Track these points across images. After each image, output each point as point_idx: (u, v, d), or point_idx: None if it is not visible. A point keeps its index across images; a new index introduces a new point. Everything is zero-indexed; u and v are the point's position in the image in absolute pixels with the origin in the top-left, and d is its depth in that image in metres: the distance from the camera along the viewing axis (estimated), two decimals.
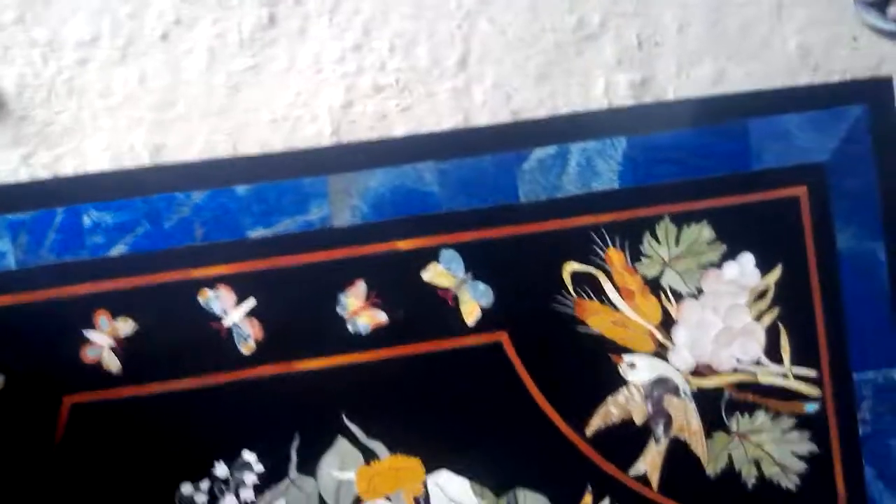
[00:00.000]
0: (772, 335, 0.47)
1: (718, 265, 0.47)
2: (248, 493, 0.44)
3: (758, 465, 0.47)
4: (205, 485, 0.44)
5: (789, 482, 0.47)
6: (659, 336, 0.47)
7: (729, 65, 0.49)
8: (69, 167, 0.43)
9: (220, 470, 0.44)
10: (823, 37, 0.49)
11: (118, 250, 0.43)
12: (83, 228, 0.43)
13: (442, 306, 0.46)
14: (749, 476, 0.47)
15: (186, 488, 0.44)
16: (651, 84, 0.48)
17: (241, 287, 0.44)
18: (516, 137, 0.46)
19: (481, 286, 0.46)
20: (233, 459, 0.44)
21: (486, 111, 0.47)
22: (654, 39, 0.48)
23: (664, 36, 0.47)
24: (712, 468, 0.47)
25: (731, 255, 0.47)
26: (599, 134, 0.46)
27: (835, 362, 0.47)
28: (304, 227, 0.44)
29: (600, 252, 0.46)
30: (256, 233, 0.44)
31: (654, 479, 0.47)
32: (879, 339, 0.47)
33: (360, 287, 0.45)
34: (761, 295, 0.47)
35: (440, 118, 0.46)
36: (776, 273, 0.47)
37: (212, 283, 0.44)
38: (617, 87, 0.48)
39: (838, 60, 0.49)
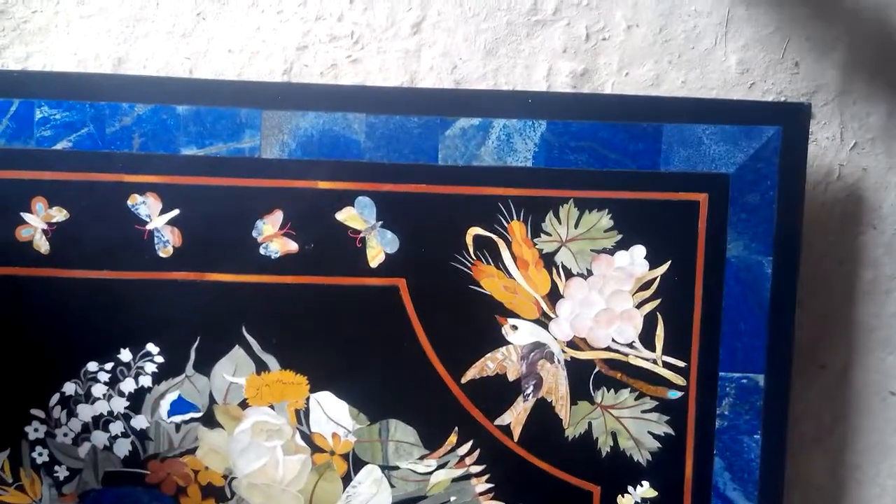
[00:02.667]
0: (649, 323, 0.66)
1: (611, 252, 0.65)
2: (146, 380, 0.64)
3: (614, 436, 0.67)
4: (109, 366, 0.64)
5: (641, 457, 0.67)
6: (544, 306, 0.65)
7: (669, 69, 0.66)
8: (38, 65, 0.61)
9: (125, 356, 0.64)
10: (765, 58, 0.66)
11: (62, 145, 0.62)
12: (34, 120, 0.61)
13: (349, 246, 0.64)
14: (605, 445, 0.67)
15: (92, 366, 0.64)
16: (591, 76, 0.66)
17: (168, 197, 0.63)
18: (445, 104, 0.63)
19: (389, 234, 0.64)
20: (137, 349, 0.64)
21: (431, 76, 0.65)
22: (602, 34, 0.65)
23: (612, 32, 0.64)
24: (571, 431, 0.66)
25: (624, 244, 0.65)
26: (523, 113, 0.63)
27: (704, 358, 0.66)
28: (233, 153, 0.63)
29: (504, 222, 0.65)
30: (189, 151, 0.62)
31: (516, 432, 0.66)
32: (750, 346, 0.66)
33: (277, 216, 0.63)
34: (646, 285, 0.66)
35: (387, 76, 0.64)
36: (664, 268, 0.65)
37: (142, 189, 0.63)
38: (558, 75, 0.66)
39: (776, 83, 0.66)
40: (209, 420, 0.65)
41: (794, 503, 0.76)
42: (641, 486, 0.67)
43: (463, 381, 0.66)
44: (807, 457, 0.76)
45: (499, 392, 0.66)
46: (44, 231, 0.62)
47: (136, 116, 0.62)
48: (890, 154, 0.72)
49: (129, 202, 0.63)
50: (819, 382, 0.75)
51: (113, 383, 0.64)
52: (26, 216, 0.62)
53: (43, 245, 0.63)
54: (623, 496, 0.67)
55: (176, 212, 0.63)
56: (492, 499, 0.67)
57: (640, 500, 0.67)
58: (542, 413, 0.66)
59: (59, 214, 0.62)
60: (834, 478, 0.77)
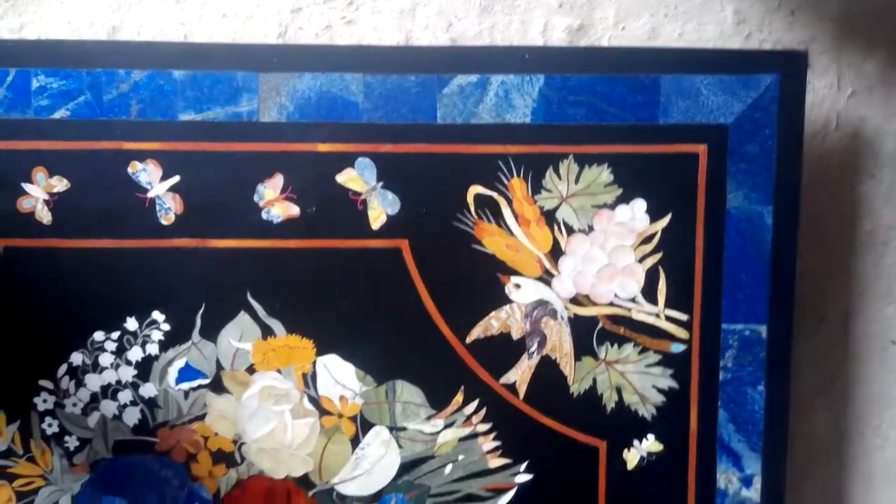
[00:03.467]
0: (651, 277, 0.66)
1: (612, 207, 0.65)
2: (153, 348, 0.64)
3: (619, 391, 0.67)
4: (115, 335, 0.64)
5: (646, 411, 0.67)
6: (546, 264, 0.66)
7: (665, 22, 0.66)
8: (33, 34, 0.61)
9: (131, 324, 0.64)
10: (761, 7, 0.66)
11: (60, 114, 0.62)
12: (31, 90, 0.61)
13: (351, 208, 0.64)
14: (609, 400, 0.67)
15: (99, 335, 0.64)
16: (588, 31, 0.66)
17: (168, 164, 0.63)
18: (441, 62, 0.63)
19: (390, 195, 0.64)
20: (143, 317, 0.64)
21: (427, 35, 0.65)
22: None
23: None
24: (576, 387, 0.67)
25: (625, 198, 0.65)
26: (520, 69, 0.63)
27: (706, 311, 0.67)
28: (232, 117, 0.62)
29: (504, 180, 0.65)
30: (187, 116, 0.62)
31: (522, 390, 0.67)
32: (752, 297, 0.67)
33: (277, 180, 0.64)
34: (647, 239, 0.66)
35: (382, 35, 0.64)
36: (665, 221, 0.66)
37: (141, 156, 0.63)
38: (554, 30, 0.66)
39: (772, 32, 0.66)
40: (217, 386, 0.66)
41: (797, 456, 0.77)
42: (647, 439, 0.68)
43: (467, 340, 0.66)
44: (809, 409, 0.77)
45: (503, 350, 0.67)
46: (45, 201, 0.63)
47: (133, 83, 0.62)
48: (888, 102, 0.73)
49: (130, 170, 0.63)
50: (819, 334, 0.76)
51: (120, 352, 0.64)
52: (27, 187, 0.62)
53: (45, 216, 0.63)
54: (629, 450, 0.68)
55: (176, 178, 0.63)
56: (499, 456, 0.67)
57: (645, 454, 0.67)
58: (547, 370, 0.67)
59: (60, 184, 0.62)
60: (836, 429, 0.78)
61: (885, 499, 0.78)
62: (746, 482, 0.68)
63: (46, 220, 0.63)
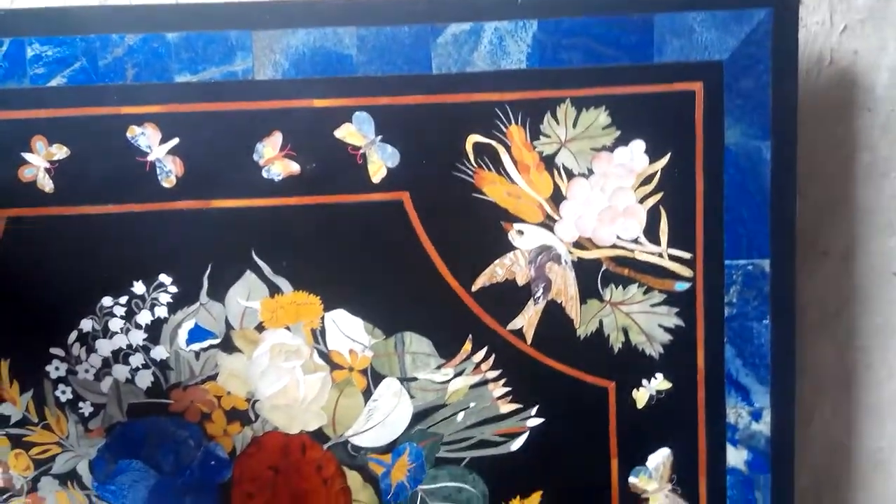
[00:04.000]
0: (652, 217, 0.67)
1: (611, 149, 0.66)
2: (162, 311, 0.65)
3: (626, 332, 0.68)
4: (124, 300, 0.64)
5: (653, 350, 0.68)
6: (548, 209, 0.66)
7: None
8: (26, 3, 0.61)
9: (139, 288, 0.65)
10: None
11: (56, 82, 0.62)
12: (26, 59, 0.61)
13: (351, 163, 0.65)
14: (616, 341, 0.68)
15: (107, 301, 0.64)
16: None
17: (167, 127, 0.63)
18: (434, 11, 0.63)
19: (389, 149, 0.65)
20: (150, 281, 0.65)
21: None
22: None
23: None
24: (583, 330, 0.67)
25: (623, 140, 0.66)
26: (513, 15, 0.63)
27: (709, 248, 0.67)
28: (227, 76, 0.63)
29: (503, 127, 0.65)
30: (183, 78, 0.62)
31: (529, 335, 0.67)
32: (754, 232, 0.67)
33: (276, 138, 0.64)
34: (647, 180, 0.66)
35: None
36: (664, 160, 0.66)
37: (140, 120, 0.63)
38: None
39: None
40: (227, 345, 0.66)
41: (805, 391, 0.78)
42: (655, 378, 0.68)
43: (473, 289, 0.67)
44: (814, 344, 0.77)
45: (509, 297, 0.67)
46: (46, 170, 0.63)
47: (128, 47, 0.62)
48: (880, 35, 0.73)
49: (129, 134, 0.63)
50: (822, 269, 0.76)
51: (129, 316, 0.65)
52: (28, 156, 0.62)
53: (47, 184, 0.63)
54: (638, 390, 0.68)
55: (175, 141, 0.63)
56: (510, 402, 0.68)
57: (654, 393, 0.68)
58: (553, 315, 0.68)
59: (60, 152, 0.63)
60: (843, 363, 0.78)
61: (894, 429, 0.79)
62: (756, 416, 0.68)
63: (49, 189, 0.63)
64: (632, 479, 0.70)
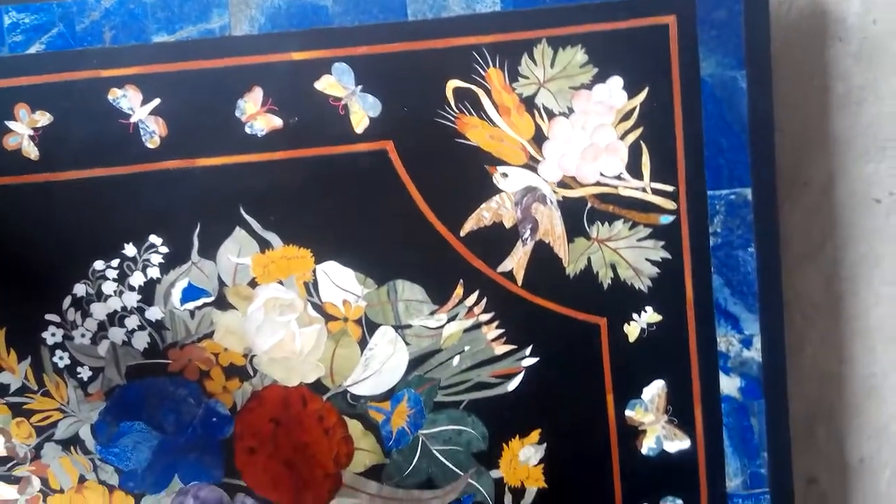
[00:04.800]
0: (634, 153, 0.68)
1: (589, 87, 0.67)
2: (154, 272, 0.66)
3: (614, 268, 0.69)
4: (115, 262, 0.65)
5: (642, 284, 0.69)
6: (531, 150, 0.67)
7: None
8: None
9: (130, 250, 0.65)
10: None
11: (35, 49, 0.63)
12: (4, 27, 0.62)
13: (333, 114, 0.66)
14: (605, 277, 0.69)
15: (99, 264, 0.65)
16: None
17: (147, 87, 0.64)
18: None
19: (370, 98, 0.66)
20: (141, 242, 0.66)
21: None
22: None
23: None
24: (572, 269, 0.69)
25: (601, 77, 0.67)
26: None
27: (691, 180, 0.68)
28: (205, 34, 0.64)
29: (481, 71, 0.66)
30: (160, 38, 0.63)
31: (519, 276, 0.68)
32: (734, 161, 0.68)
33: (257, 93, 0.65)
34: (627, 115, 0.67)
35: None
36: (642, 95, 0.67)
37: (120, 82, 0.64)
38: None
39: None
40: (221, 303, 0.67)
41: (795, 322, 0.79)
42: (645, 311, 0.70)
43: (461, 233, 0.68)
44: (800, 275, 0.79)
45: (497, 240, 0.68)
46: (31, 137, 0.64)
47: (104, 10, 0.63)
48: None
49: (110, 97, 0.64)
50: (804, 200, 0.78)
51: (122, 279, 0.66)
52: (11, 124, 0.63)
53: (32, 151, 0.64)
54: (629, 324, 0.70)
55: (157, 101, 0.64)
56: (504, 343, 0.69)
57: (645, 326, 0.70)
58: (542, 255, 0.69)
59: (43, 118, 0.63)
60: (829, 293, 0.80)
61: (885, 355, 0.80)
62: (746, 343, 0.70)
63: (34, 156, 0.64)
64: (628, 413, 0.71)
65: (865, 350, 0.81)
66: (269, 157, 0.66)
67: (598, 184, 0.69)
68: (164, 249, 0.66)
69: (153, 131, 0.64)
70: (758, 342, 0.70)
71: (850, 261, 0.80)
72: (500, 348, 0.70)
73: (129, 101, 0.64)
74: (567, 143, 0.68)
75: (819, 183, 0.78)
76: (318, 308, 0.68)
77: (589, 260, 0.69)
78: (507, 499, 0.72)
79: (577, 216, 0.69)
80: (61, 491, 0.70)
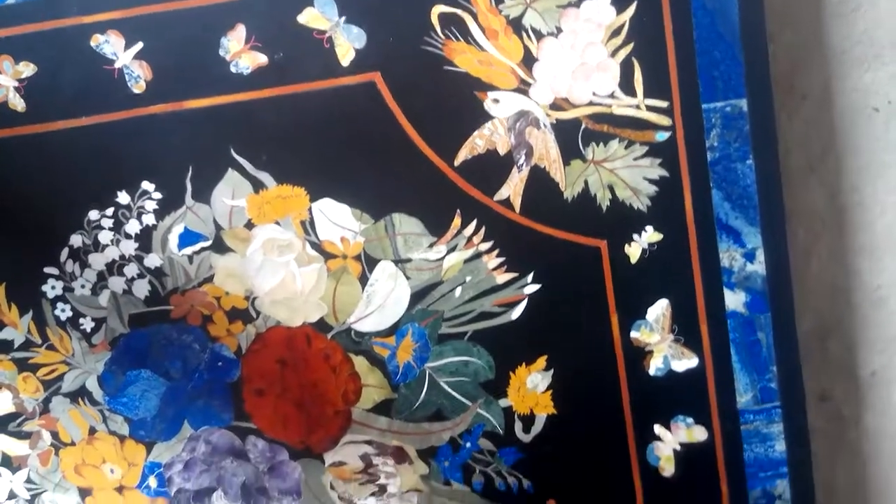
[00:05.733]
0: (626, 70, 0.68)
1: (577, 4, 0.66)
2: (149, 218, 0.66)
3: (612, 189, 0.69)
4: (110, 211, 0.65)
5: (641, 204, 0.69)
6: (521, 73, 0.67)
7: None
8: None
9: (123, 198, 0.66)
10: None
11: None
12: None
13: (318, 48, 0.66)
14: (603, 199, 0.69)
15: (94, 214, 0.66)
16: None
17: (129, 32, 0.64)
18: None
19: (354, 29, 0.65)
20: (134, 189, 0.66)
21: None
22: None
23: None
24: (569, 192, 0.69)
25: None
26: None
27: (685, 94, 0.68)
28: None
29: None
30: None
31: (517, 203, 0.69)
32: (728, 73, 0.68)
33: (239, 31, 0.65)
34: (616, 32, 0.67)
35: None
36: (631, 10, 0.67)
37: (102, 28, 0.64)
38: None
39: None
40: (219, 246, 0.68)
41: (798, 237, 0.79)
42: (646, 231, 0.70)
43: (456, 163, 0.68)
44: (804, 188, 0.79)
45: (493, 167, 0.68)
46: (16, 89, 0.64)
47: None
48: None
49: (93, 43, 0.64)
50: (802, 112, 0.77)
51: (118, 227, 0.66)
52: None
53: (18, 103, 0.64)
54: (630, 245, 0.70)
55: (140, 45, 0.64)
56: (505, 272, 0.70)
57: (646, 246, 0.70)
58: (538, 180, 0.69)
59: (27, 69, 0.63)
60: (833, 203, 0.80)
61: (893, 265, 0.80)
62: (749, 257, 0.70)
63: (21, 108, 0.64)
64: (633, 334, 0.72)
65: (872, 261, 0.81)
66: (256, 96, 0.66)
67: (591, 104, 0.68)
68: (158, 195, 0.66)
69: (138, 76, 0.64)
70: (761, 255, 0.70)
71: (852, 172, 0.80)
72: (502, 277, 0.70)
73: (113, 47, 0.64)
74: (557, 63, 0.67)
75: (816, 94, 0.78)
76: (317, 246, 0.68)
77: (586, 182, 0.69)
78: (517, 427, 0.72)
79: (571, 138, 0.69)
80: (72, 443, 0.70)
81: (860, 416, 0.83)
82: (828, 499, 0.84)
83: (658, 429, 0.72)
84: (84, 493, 0.72)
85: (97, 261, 0.67)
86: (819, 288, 0.80)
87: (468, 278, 0.70)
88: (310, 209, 0.68)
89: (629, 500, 0.73)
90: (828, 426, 0.83)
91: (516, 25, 0.67)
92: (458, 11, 0.66)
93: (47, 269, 0.67)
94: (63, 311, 0.68)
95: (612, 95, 0.68)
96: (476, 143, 0.68)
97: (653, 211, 0.70)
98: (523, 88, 0.68)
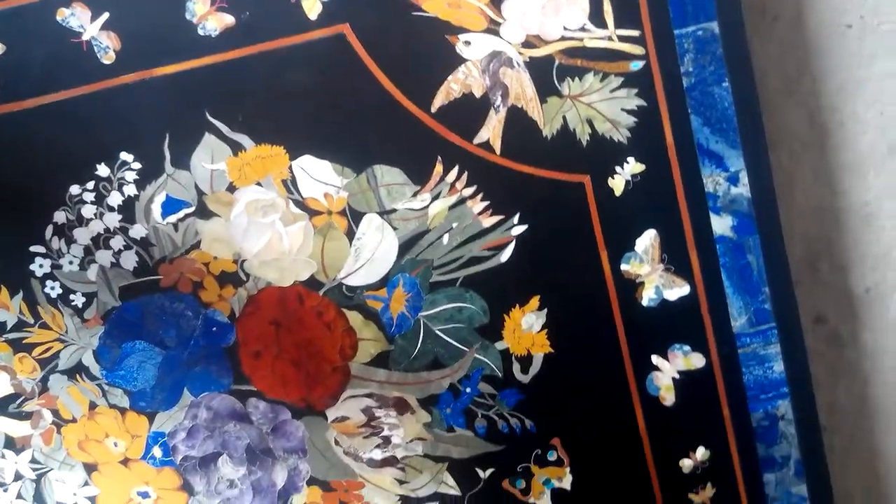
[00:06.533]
0: (595, 1, 0.68)
1: None
2: (130, 189, 0.67)
3: (590, 123, 0.70)
4: (91, 185, 0.66)
5: (620, 135, 0.70)
6: (490, 13, 0.67)
7: None
8: None
9: (103, 171, 0.66)
10: None
11: None
12: None
13: (284, 4, 0.66)
14: (583, 134, 0.70)
15: (75, 189, 0.66)
16: None
17: (94, 3, 0.65)
18: None
19: None
20: (112, 161, 0.66)
21: None
22: None
23: None
24: (548, 130, 0.69)
25: None
26: None
27: (656, 21, 0.69)
28: None
29: None
30: None
31: (497, 145, 0.69)
32: None
33: None
34: None
35: None
36: None
37: (67, 1, 0.64)
38: None
39: None
40: (203, 212, 0.68)
41: (781, 161, 0.80)
42: (627, 163, 0.70)
43: (433, 109, 0.68)
44: (782, 110, 0.79)
45: (470, 111, 0.69)
46: None
47: None
48: None
49: (58, 17, 0.64)
50: (775, 34, 0.78)
51: (100, 200, 0.67)
52: None
53: None
54: (613, 178, 0.71)
55: (106, 15, 0.64)
56: (490, 215, 0.70)
57: (630, 178, 0.70)
58: (517, 120, 0.69)
59: None
60: (814, 124, 0.80)
61: (877, 181, 0.81)
62: (733, 180, 0.71)
63: None
64: (623, 267, 0.72)
65: (857, 179, 0.82)
66: (226, 57, 0.66)
67: (562, 39, 0.69)
68: (137, 165, 0.67)
69: (107, 46, 0.65)
70: (744, 177, 0.71)
71: (829, 91, 0.80)
72: (488, 220, 0.71)
73: (79, 19, 0.64)
74: (526, 0, 0.68)
75: (788, 15, 0.78)
76: (301, 204, 0.69)
77: (564, 119, 0.70)
78: (516, 368, 0.73)
79: (546, 75, 0.69)
80: (74, 420, 0.71)
81: (857, 334, 0.84)
82: (831, 420, 0.85)
83: (656, 359, 0.73)
84: (90, 468, 0.73)
85: (82, 235, 0.67)
86: (806, 211, 0.81)
87: (455, 224, 0.70)
88: (290, 167, 0.69)
89: (632, 433, 0.74)
90: (826, 348, 0.84)
91: None
92: None
93: (33, 248, 0.67)
94: (53, 288, 0.68)
95: (583, 28, 0.69)
96: (451, 88, 0.68)
97: (633, 142, 0.70)
98: (493, 28, 0.68)
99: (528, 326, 0.72)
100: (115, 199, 0.67)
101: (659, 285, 0.72)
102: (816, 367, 0.81)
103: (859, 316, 0.84)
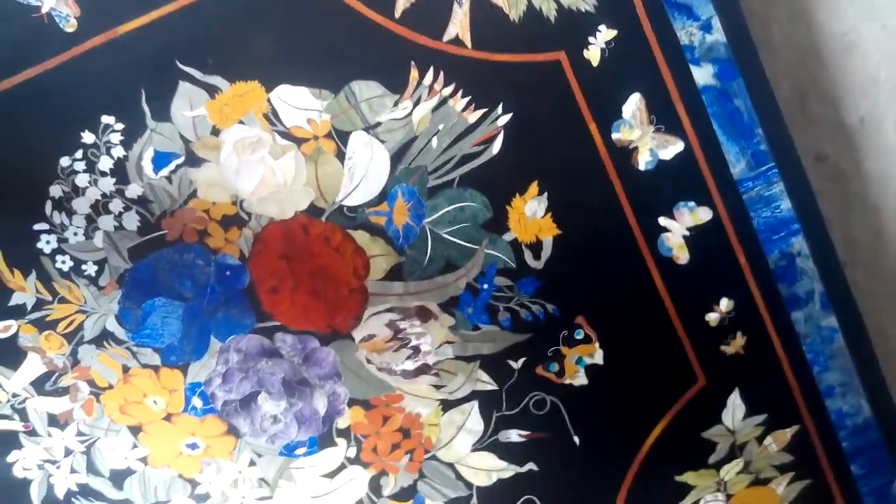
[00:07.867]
0: None
1: None
2: (118, 150, 0.69)
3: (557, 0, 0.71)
4: (79, 154, 0.68)
5: (587, 5, 0.72)
6: None
7: None
8: None
9: (88, 138, 0.68)
10: None
11: None
12: None
13: None
14: (550, 11, 0.71)
15: (65, 161, 0.68)
16: None
17: None
18: None
19: None
20: (95, 126, 0.68)
21: None
22: None
23: None
24: (515, 13, 0.71)
25: None
26: None
27: None
28: None
29: None
30: None
31: (467, 39, 0.71)
32: None
33: None
34: None
35: None
36: None
37: None
38: None
39: None
40: (193, 160, 0.70)
41: (755, 6, 0.80)
42: (599, 31, 0.72)
43: (397, 15, 0.70)
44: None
45: (434, 10, 0.71)
46: None
47: None
48: None
49: None
50: None
51: (91, 167, 0.69)
52: None
53: None
54: (588, 49, 0.72)
55: None
56: (474, 110, 0.72)
57: (604, 46, 0.72)
58: (482, 10, 0.71)
59: None
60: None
61: (852, 9, 0.82)
62: (706, 28, 0.72)
63: None
64: (615, 135, 0.74)
65: (833, 11, 0.83)
66: (187, 3, 0.67)
67: None
68: (120, 126, 0.69)
69: (67, 15, 0.66)
70: (717, 22, 0.72)
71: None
72: (472, 116, 0.72)
73: None
74: None
75: None
76: (286, 135, 0.71)
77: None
78: (528, 256, 0.75)
79: None
80: (110, 387, 0.74)
81: (859, 165, 0.85)
82: (850, 254, 0.87)
83: (663, 220, 0.75)
84: (135, 430, 0.75)
85: (81, 205, 0.69)
86: (786, 52, 0.82)
87: (441, 126, 0.72)
88: (269, 100, 0.70)
89: (653, 297, 0.76)
90: (831, 185, 0.85)
91: None
92: None
93: (37, 226, 0.69)
94: (63, 262, 0.70)
95: None
96: None
97: (601, 9, 0.72)
98: None
99: (531, 213, 0.74)
100: (105, 163, 0.69)
101: (653, 147, 0.74)
102: (825, 205, 0.83)
103: (858, 146, 0.85)
